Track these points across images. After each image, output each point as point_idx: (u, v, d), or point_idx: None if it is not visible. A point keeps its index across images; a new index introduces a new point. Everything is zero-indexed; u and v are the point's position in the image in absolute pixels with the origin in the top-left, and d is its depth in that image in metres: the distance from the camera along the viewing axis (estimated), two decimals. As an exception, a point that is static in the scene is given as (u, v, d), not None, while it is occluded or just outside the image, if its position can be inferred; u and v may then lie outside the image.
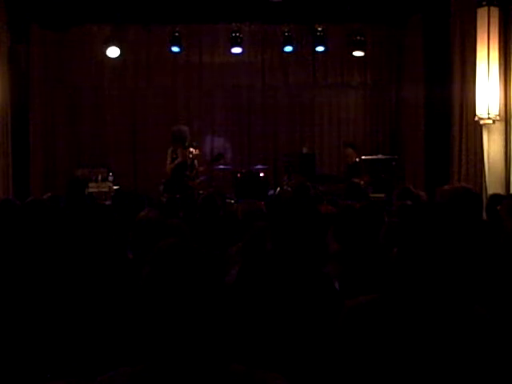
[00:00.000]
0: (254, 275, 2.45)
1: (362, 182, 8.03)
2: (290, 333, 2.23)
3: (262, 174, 9.35)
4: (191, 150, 7.88)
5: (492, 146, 7.33)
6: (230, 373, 1.28)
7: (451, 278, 1.62)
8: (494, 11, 7.15)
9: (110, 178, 9.38)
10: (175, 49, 9.88)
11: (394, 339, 1.60)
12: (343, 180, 8.19)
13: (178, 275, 1.27)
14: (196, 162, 7.96)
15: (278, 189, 8.88)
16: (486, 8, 7.15)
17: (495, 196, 4.76)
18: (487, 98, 7.20)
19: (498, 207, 4.12)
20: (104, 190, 8.91)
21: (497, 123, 7.26)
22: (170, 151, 7.88)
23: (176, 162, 7.79)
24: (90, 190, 8.96)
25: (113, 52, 9.61)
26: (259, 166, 9.52)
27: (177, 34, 9.78)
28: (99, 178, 9.26)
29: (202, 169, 8.23)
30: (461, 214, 2.81)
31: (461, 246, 1.64)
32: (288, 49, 10.03)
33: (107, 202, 7.87)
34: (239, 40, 9.84)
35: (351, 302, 1.77)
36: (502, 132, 7.30)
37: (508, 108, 7.24)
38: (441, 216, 1.70)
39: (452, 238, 1.64)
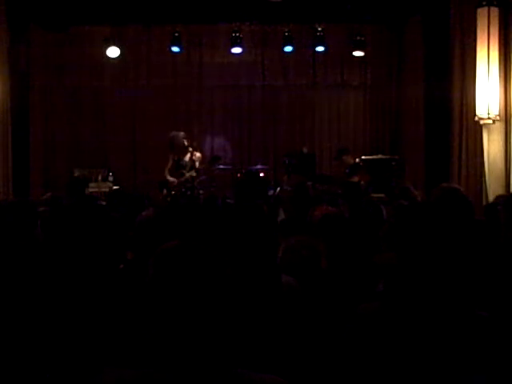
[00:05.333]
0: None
1: (361, 182, 8.02)
2: (288, 335, 2.22)
3: (262, 174, 9.34)
4: (196, 153, 7.87)
5: (492, 146, 7.32)
6: (233, 376, 1.27)
7: (444, 276, 1.63)
8: (494, 11, 7.15)
9: (110, 178, 9.39)
10: (175, 49, 9.89)
11: (399, 343, 1.61)
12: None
13: (184, 277, 1.26)
14: (197, 164, 7.93)
15: (278, 189, 8.87)
16: (485, 8, 7.14)
17: (499, 196, 4.80)
18: (487, 98, 7.19)
19: (499, 207, 4.13)
20: (104, 190, 8.92)
21: (497, 123, 7.25)
22: (171, 156, 7.88)
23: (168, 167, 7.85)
24: (90, 190, 8.97)
25: (113, 52, 9.61)
26: (259, 166, 9.51)
27: (177, 34, 9.78)
28: (99, 177, 9.28)
29: (202, 166, 8.21)
30: (446, 212, 2.82)
31: (447, 243, 1.66)
32: (288, 49, 10.02)
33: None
34: (239, 40, 9.84)
35: (361, 308, 1.78)
36: (502, 132, 7.29)
37: (508, 108, 7.23)
38: (426, 215, 1.72)
39: (438, 236, 1.66)
